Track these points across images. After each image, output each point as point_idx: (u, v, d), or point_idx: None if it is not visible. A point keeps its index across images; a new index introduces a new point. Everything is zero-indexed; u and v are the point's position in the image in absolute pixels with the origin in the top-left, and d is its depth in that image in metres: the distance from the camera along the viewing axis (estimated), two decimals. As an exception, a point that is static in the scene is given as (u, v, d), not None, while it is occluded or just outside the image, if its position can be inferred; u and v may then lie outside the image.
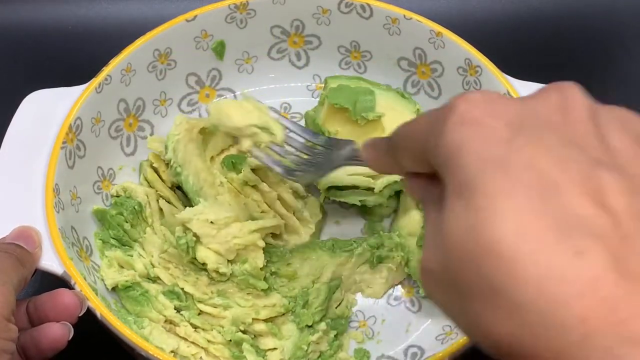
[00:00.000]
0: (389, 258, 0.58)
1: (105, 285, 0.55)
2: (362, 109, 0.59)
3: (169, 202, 0.60)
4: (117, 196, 0.60)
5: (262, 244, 0.56)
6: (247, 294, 0.56)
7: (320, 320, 0.56)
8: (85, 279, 0.50)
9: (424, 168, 0.32)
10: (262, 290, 0.56)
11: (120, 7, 0.80)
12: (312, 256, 0.58)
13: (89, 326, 0.49)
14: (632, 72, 0.77)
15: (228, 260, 0.56)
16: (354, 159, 0.47)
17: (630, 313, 0.23)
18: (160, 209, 0.60)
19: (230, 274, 0.56)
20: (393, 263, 0.58)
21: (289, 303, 0.57)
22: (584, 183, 0.25)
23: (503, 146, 0.27)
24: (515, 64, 0.63)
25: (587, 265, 0.24)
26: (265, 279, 0.57)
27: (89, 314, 0.49)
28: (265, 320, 0.56)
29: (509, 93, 0.59)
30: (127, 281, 0.55)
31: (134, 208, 0.58)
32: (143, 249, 0.58)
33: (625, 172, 0.26)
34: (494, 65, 0.61)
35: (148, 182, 0.61)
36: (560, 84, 0.30)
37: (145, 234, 0.58)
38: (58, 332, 0.47)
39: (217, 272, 0.55)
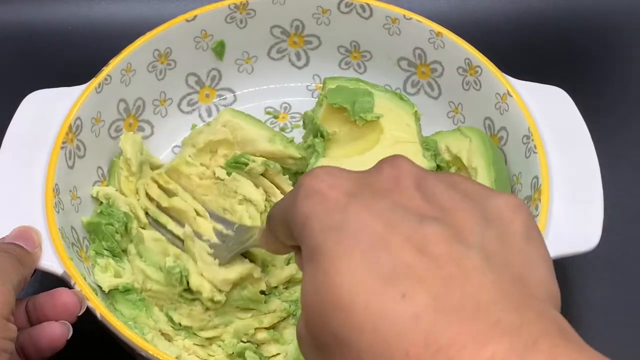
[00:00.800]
0: None
1: (101, 289, 0.54)
2: (361, 109, 0.59)
3: (155, 220, 0.59)
4: (100, 203, 0.58)
5: (258, 274, 0.55)
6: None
7: None
8: (85, 279, 0.50)
9: (293, 239, 0.35)
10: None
11: (120, 7, 0.80)
12: None
13: (89, 326, 0.49)
14: (633, 72, 0.77)
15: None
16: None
17: (447, 341, 0.26)
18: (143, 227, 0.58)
19: (226, 300, 0.54)
20: None
21: (290, 307, 0.56)
22: (409, 237, 0.29)
23: (341, 213, 0.30)
24: (515, 64, 0.63)
25: (409, 305, 0.27)
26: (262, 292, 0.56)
27: (89, 314, 0.48)
28: (267, 328, 0.55)
29: (508, 93, 0.59)
30: (127, 283, 0.54)
31: (123, 219, 0.57)
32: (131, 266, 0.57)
33: (447, 223, 0.30)
34: (494, 65, 0.61)
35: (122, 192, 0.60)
36: (392, 158, 0.34)
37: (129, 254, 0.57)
38: (57, 332, 0.47)
39: (212, 300, 0.54)
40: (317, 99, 0.64)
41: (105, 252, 0.56)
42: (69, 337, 0.47)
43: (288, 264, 0.57)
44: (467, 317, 0.27)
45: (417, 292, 0.27)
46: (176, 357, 0.52)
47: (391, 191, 0.32)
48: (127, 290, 0.54)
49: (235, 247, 0.54)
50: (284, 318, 0.56)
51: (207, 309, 0.55)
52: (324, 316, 0.29)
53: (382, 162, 0.34)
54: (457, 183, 0.33)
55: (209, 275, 0.54)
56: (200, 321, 0.54)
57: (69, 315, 0.47)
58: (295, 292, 0.57)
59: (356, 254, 0.29)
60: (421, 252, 0.28)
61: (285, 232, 0.36)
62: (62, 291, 0.48)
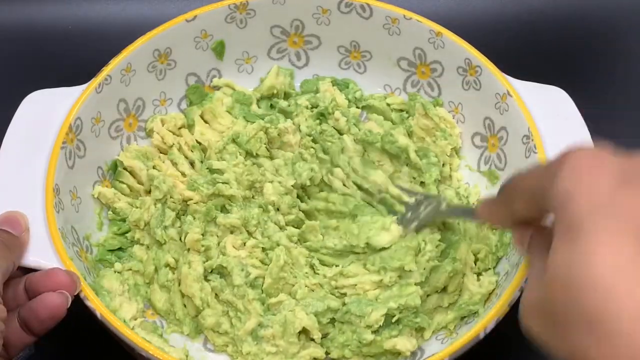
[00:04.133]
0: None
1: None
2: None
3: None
4: (101, 204, 0.60)
5: None
6: None
7: None
8: (85, 278, 0.50)
9: (535, 212, 0.38)
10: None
11: (120, 7, 0.80)
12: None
13: (89, 326, 0.49)
14: (633, 73, 0.77)
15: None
16: (455, 212, 0.56)
17: None
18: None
19: None
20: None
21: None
22: None
23: (608, 197, 0.31)
24: (515, 64, 0.63)
25: None
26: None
27: (89, 314, 0.49)
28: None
29: (508, 93, 0.59)
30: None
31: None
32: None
33: None
34: (494, 65, 0.61)
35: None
36: None
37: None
38: (56, 301, 0.47)
39: None
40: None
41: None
42: (69, 305, 0.47)
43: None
44: None
45: None
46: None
47: None
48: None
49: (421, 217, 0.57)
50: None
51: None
52: (576, 291, 0.29)
53: None
54: None
55: None
56: None
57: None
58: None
59: (621, 239, 0.29)
60: None
61: (528, 201, 0.37)
62: (57, 270, 0.49)
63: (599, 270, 0.29)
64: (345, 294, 0.55)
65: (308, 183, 0.60)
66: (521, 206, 0.39)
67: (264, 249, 0.57)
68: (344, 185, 0.61)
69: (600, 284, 0.29)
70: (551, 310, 0.32)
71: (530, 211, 0.38)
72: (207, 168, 0.61)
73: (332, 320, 0.54)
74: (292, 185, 0.60)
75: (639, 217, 0.30)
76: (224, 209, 0.59)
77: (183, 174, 0.62)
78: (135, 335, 0.47)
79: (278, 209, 0.59)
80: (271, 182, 0.59)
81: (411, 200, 0.59)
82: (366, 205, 0.60)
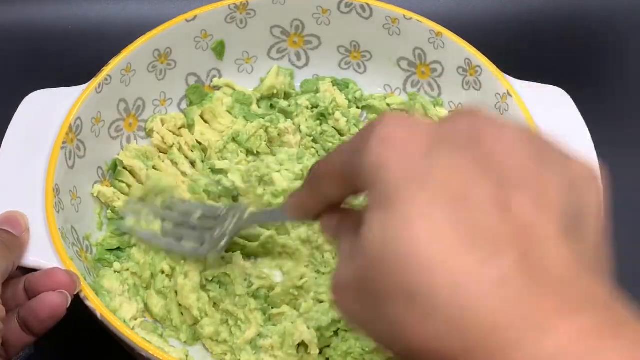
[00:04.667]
0: None
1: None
2: None
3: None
4: (101, 204, 0.60)
5: None
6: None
7: None
8: (85, 279, 0.50)
9: (345, 190, 0.35)
10: None
11: (120, 7, 0.80)
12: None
13: (89, 326, 0.49)
14: (632, 72, 0.77)
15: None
16: (262, 218, 0.54)
17: (533, 309, 0.26)
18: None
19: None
20: None
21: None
22: (492, 197, 0.28)
23: (419, 164, 0.29)
24: (515, 64, 0.63)
25: (493, 269, 0.26)
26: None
27: (89, 314, 0.49)
28: None
29: (508, 93, 0.59)
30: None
31: None
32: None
33: (529, 187, 0.28)
34: (494, 66, 0.61)
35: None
36: (470, 109, 0.32)
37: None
38: (56, 300, 0.47)
39: None
40: None
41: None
42: (68, 305, 0.47)
43: None
44: (553, 286, 0.26)
45: (502, 256, 0.27)
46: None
47: (470, 146, 0.30)
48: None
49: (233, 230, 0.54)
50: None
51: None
52: (392, 266, 0.28)
53: (459, 112, 0.32)
54: (535, 142, 0.31)
55: None
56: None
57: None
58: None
59: (436, 207, 0.28)
60: (504, 215, 0.27)
61: (338, 179, 0.35)
62: (57, 270, 0.48)
63: (414, 241, 0.27)
64: None
65: None
66: (330, 188, 0.37)
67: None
68: None
69: (416, 256, 0.27)
70: (367, 288, 0.30)
71: (340, 191, 0.36)
72: (210, 168, 0.61)
73: (337, 331, 0.54)
74: (300, 170, 0.59)
75: (452, 184, 0.28)
76: None
77: (184, 174, 0.62)
78: (136, 335, 0.47)
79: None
80: (278, 171, 0.59)
81: (215, 215, 0.56)
82: None
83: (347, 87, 0.69)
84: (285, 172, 0.59)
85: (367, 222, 0.30)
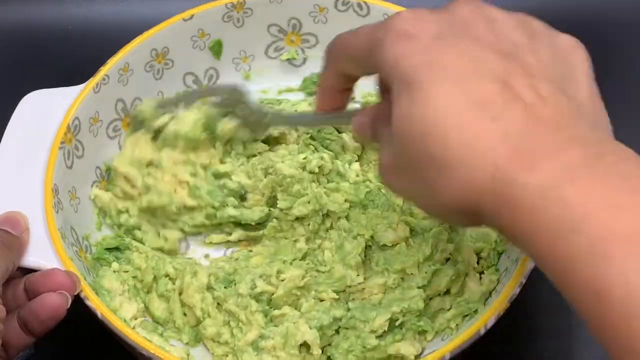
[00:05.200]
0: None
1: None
2: None
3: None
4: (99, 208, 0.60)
5: None
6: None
7: None
8: (85, 278, 0.50)
9: (364, 70, 0.42)
10: None
11: (120, 7, 0.80)
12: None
13: (89, 326, 0.49)
14: (631, 71, 0.77)
15: None
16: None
17: (532, 147, 0.32)
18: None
19: None
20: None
21: None
22: (491, 70, 0.34)
23: (431, 51, 0.35)
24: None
25: (499, 126, 0.32)
26: None
27: (90, 314, 0.49)
28: None
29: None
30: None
31: None
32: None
33: (521, 58, 0.35)
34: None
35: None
36: None
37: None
38: (56, 301, 0.47)
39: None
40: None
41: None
42: (69, 306, 0.48)
43: None
44: (549, 132, 0.32)
45: (505, 116, 0.33)
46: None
47: (469, 30, 0.36)
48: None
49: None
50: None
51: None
52: (420, 139, 0.34)
53: (457, 3, 0.38)
54: (524, 22, 0.38)
55: None
56: None
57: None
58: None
59: (448, 83, 0.34)
60: (504, 83, 0.33)
61: (356, 61, 0.42)
62: (56, 271, 0.49)
63: (433, 113, 0.33)
64: (351, 299, 0.55)
65: (317, 170, 0.59)
66: (349, 64, 0.43)
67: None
68: (357, 175, 0.61)
69: (437, 127, 0.33)
70: (404, 162, 0.36)
71: (357, 68, 0.43)
72: (213, 174, 0.60)
73: (338, 329, 0.54)
74: (303, 159, 0.60)
75: (460, 64, 0.34)
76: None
77: (183, 183, 0.61)
78: (136, 334, 0.47)
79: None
80: (282, 162, 0.59)
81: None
82: (378, 193, 0.60)
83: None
84: (289, 161, 0.59)
85: (395, 107, 0.36)
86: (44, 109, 0.57)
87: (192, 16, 0.64)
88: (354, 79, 0.46)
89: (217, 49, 0.67)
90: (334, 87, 0.47)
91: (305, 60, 0.69)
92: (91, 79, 0.59)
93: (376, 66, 0.38)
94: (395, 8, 0.64)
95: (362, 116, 0.45)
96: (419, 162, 0.34)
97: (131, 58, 0.61)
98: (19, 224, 0.50)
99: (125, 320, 0.52)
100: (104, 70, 0.59)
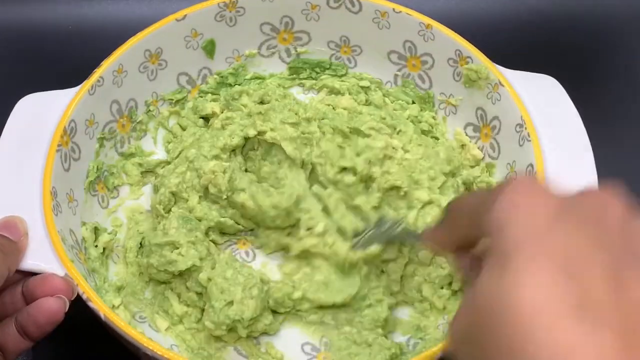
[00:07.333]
0: None
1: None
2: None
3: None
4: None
5: None
6: None
7: None
8: (86, 280, 0.50)
9: (476, 234, 0.37)
10: None
11: (120, 7, 0.80)
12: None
13: (89, 326, 0.49)
14: (628, 68, 0.78)
15: None
16: (406, 236, 0.55)
17: None
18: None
19: None
20: None
21: None
22: (605, 275, 0.29)
23: (542, 230, 0.31)
24: (506, 56, 0.63)
25: (595, 344, 0.27)
26: None
27: (91, 315, 0.48)
28: None
29: (500, 83, 0.60)
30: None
31: None
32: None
33: None
34: (484, 56, 0.62)
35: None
36: (602, 188, 0.34)
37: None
38: (54, 305, 0.47)
39: None
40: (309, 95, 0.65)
41: None
42: (66, 310, 0.47)
43: None
44: None
45: (606, 332, 0.28)
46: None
47: (595, 224, 0.31)
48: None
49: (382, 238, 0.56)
50: None
51: None
52: (500, 319, 0.29)
53: (589, 189, 0.34)
54: None
55: None
56: None
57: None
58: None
59: (550, 274, 0.29)
60: (615, 293, 0.29)
61: (470, 224, 0.38)
62: (53, 276, 0.48)
63: (523, 302, 0.29)
64: None
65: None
66: (464, 226, 0.39)
67: None
68: None
69: (522, 317, 0.29)
70: (475, 335, 0.31)
71: (471, 231, 0.38)
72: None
73: None
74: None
75: (569, 255, 0.30)
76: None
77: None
78: (141, 335, 0.47)
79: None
80: (272, 130, 0.61)
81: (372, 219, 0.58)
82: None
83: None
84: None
85: (483, 273, 0.32)
86: (40, 112, 0.56)
87: (184, 16, 0.64)
88: (468, 242, 0.41)
89: (210, 48, 0.67)
90: (444, 243, 0.44)
91: (298, 58, 0.70)
92: (86, 81, 0.58)
93: (482, 224, 0.35)
94: (387, 4, 0.64)
95: (464, 259, 0.42)
96: (490, 346, 0.30)
97: (125, 59, 0.61)
98: (17, 229, 0.50)
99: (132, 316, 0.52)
100: (98, 72, 0.59)
